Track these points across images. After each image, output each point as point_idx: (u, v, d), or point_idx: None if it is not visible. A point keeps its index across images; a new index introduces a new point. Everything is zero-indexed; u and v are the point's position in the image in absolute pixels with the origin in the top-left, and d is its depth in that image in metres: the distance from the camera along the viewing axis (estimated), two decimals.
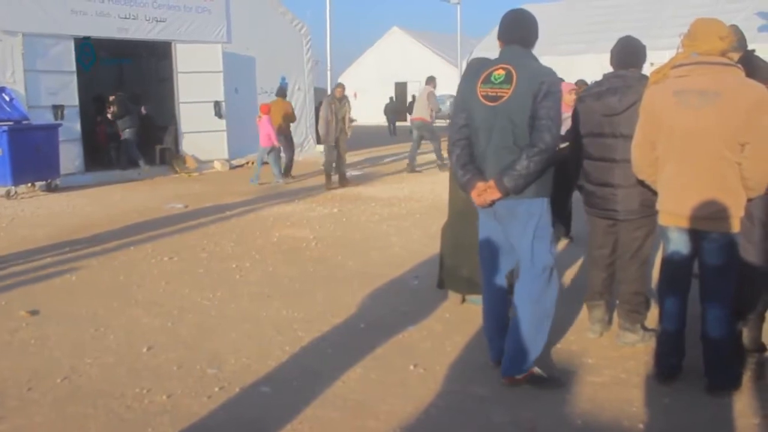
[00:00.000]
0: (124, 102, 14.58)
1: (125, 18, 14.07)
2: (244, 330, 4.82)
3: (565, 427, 3.41)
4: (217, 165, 15.54)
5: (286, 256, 7.08)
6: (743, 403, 3.61)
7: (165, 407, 3.64)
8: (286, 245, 7.61)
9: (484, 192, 3.68)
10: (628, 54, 4.29)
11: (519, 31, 3.81)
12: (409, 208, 10.01)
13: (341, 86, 12.50)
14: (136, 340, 4.64)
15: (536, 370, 3.83)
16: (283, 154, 13.71)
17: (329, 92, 19.36)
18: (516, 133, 3.59)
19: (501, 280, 3.97)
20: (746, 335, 3.91)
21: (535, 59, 3.75)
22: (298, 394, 3.76)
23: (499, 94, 3.64)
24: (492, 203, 3.71)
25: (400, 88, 39.90)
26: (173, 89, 15.15)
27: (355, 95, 39.19)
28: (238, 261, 6.87)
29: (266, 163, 13.12)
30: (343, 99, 12.24)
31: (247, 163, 15.96)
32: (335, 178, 12.45)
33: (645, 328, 4.41)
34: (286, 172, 13.59)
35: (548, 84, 3.54)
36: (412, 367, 4.11)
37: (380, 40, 43.90)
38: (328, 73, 19.79)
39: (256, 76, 16.55)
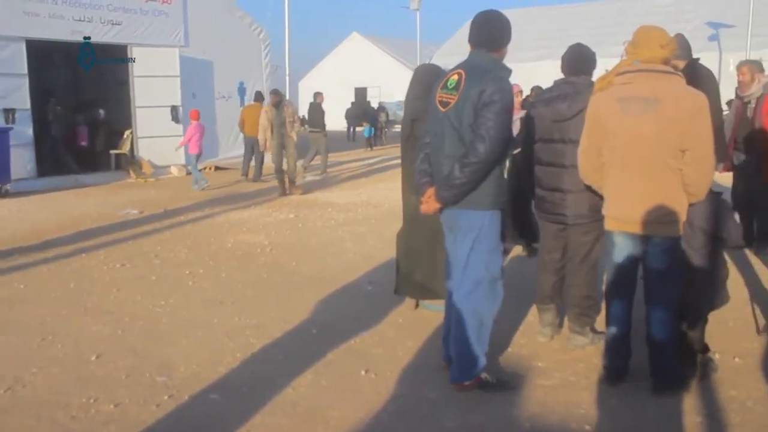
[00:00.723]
0: (53, 108, 14.52)
1: (79, 20, 13.85)
2: (195, 337, 4.78)
3: (514, 430, 3.44)
4: (174, 170, 15.39)
5: (240, 262, 7.04)
6: (687, 403, 3.70)
7: (112, 416, 3.59)
8: (240, 251, 7.57)
9: (427, 200, 3.72)
10: (578, 61, 4.38)
11: (483, 33, 3.71)
12: (366, 214, 10.03)
13: (275, 93, 12.38)
14: (84, 348, 4.56)
15: (484, 375, 3.85)
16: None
17: (287, 97, 19.39)
18: (461, 141, 3.56)
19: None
20: (689, 337, 4.00)
21: (496, 64, 3.65)
22: (248, 401, 3.74)
23: (448, 99, 3.64)
24: (440, 211, 3.74)
25: (360, 93, 40.00)
26: (130, 93, 14.95)
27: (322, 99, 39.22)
28: (192, 267, 6.81)
29: (203, 169, 13.41)
30: (280, 105, 11.94)
31: (205, 168, 15.83)
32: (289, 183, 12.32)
33: (595, 331, 4.49)
34: (257, 176, 14.34)
35: (490, 92, 3.45)
36: (363, 373, 4.12)
37: (340, 46, 43.99)
38: (287, 78, 19.74)
39: (214, 81, 16.44)
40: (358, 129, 28.64)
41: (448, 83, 3.68)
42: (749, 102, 7.10)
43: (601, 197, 3.93)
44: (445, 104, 3.66)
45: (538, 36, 27.88)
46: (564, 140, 4.24)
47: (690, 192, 3.58)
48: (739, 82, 7.33)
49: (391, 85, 38.62)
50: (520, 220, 6.92)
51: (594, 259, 4.43)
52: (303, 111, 39.13)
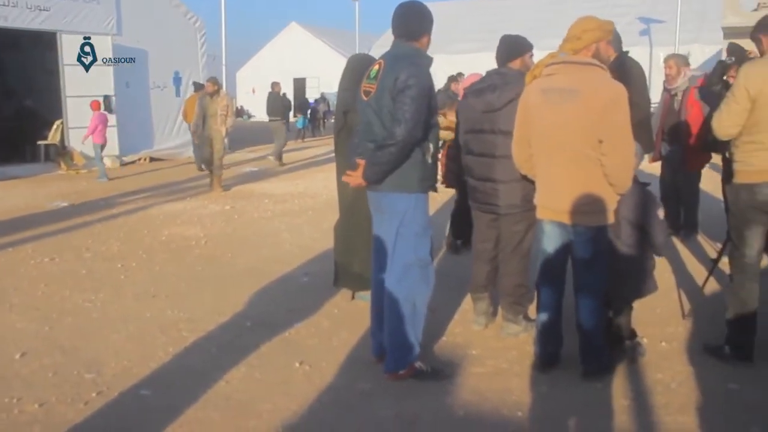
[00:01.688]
0: None
1: (4, 5, 13.28)
2: (126, 332, 4.68)
3: (447, 419, 3.48)
4: (107, 161, 14.96)
5: (174, 255, 6.92)
6: (615, 387, 3.81)
7: (36, 417, 3.48)
8: (174, 244, 7.43)
9: (356, 173, 3.74)
10: (510, 51, 4.42)
11: (403, 24, 3.74)
12: (303, 205, 9.98)
13: (212, 81, 11.41)
14: (8, 346, 4.41)
15: (419, 364, 3.88)
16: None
17: (224, 87, 19.09)
18: (383, 127, 3.61)
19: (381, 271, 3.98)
20: (616, 324, 4.10)
21: (416, 53, 3.69)
22: (180, 396, 3.68)
23: (370, 89, 3.71)
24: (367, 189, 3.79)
25: (299, 84, 39.69)
26: (59, 82, 14.48)
27: (253, 91, 38.68)
28: (124, 261, 6.65)
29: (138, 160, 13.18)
30: (215, 94, 11.14)
31: (139, 159, 15.50)
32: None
33: (528, 319, 4.57)
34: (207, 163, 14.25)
35: (404, 78, 3.50)
36: (297, 365, 4.10)
37: (278, 36, 43.46)
38: (224, 68, 19.44)
39: (149, 71, 16.05)
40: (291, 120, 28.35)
41: (371, 73, 3.74)
42: (676, 94, 7.32)
43: (534, 186, 3.99)
44: (367, 93, 3.73)
45: (478, 27, 28.12)
46: (494, 131, 4.28)
47: (611, 182, 3.64)
48: (666, 75, 7.55)
49: (330, 76, 38.41)
50: (459, 222, 6.69)
51: (526, 248, 4.50)
52: (241, 102, 38.53)
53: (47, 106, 15.16)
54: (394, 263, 3.75)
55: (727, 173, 6.43)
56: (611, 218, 3.76)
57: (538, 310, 4.02)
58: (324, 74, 38.69)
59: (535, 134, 3.78)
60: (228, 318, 4.93)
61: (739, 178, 3.96)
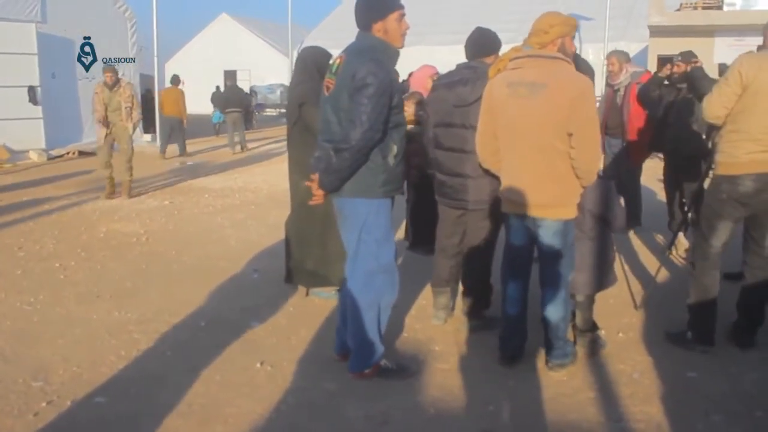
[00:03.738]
0: None
1: None
2: (72, 335, 4.44)
3: (418, 417, 3.41)
4: (33, 155, 14.35)
5: (114, 253, 6.64)
6: (580, 379, 3.82)
7: None
8: (114, 241, 7.14)
9: (315, 187, 3.60)
10: (481, 45, 4.36)
11: (356, 14, 3.56)
12: (244, 199, 9.76)
13: (110, 69, 9.69)
14: None
15: (383, 362, 3.80)
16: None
17: (156, 79, 18.56)
18: (340, 126, 3.44)
19: None
20: (579, 316, 4.13)
21: (380, 46, 3.48)
22: (137, 403, 3.50)
23: (329, 84, 3.55)
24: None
25: (230, 76, 38.91)
26: None
27: (183, 83, 37.81)
28: (62, 260, 6.34)
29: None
30: (116, 85, 9.56)
31: (68, 153, 14.90)
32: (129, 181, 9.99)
33: (488, 315, 4.55)
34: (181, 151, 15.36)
35: (362, 76, 3.30)
36: (258, 365, 3.97)
37: (208, 27, 42.50)
38: (155, 59, 18.84)
39: (76, 61, 15.40)
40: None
41: (332, 67, 3.58)
42: (618, 90, 7.47)
43: (500, 181, 3.97)
44: (327, 89, 3.57)
45: (456, 20, 28.04)
46: (465, 125, 4.21)
47: (579, 175, 3.64)
48: (609, 72, 7.70)
49: (261, 69, 37.86)
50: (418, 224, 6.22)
51: (491, 244, 4.47)
52: None
53: None
54: (357, 269, 3.63)
55: (672, 168, 6.66)
56: (576, 211, 3.76)
57: (504, 303, 4.00)
58: (255, 67, 38.10)
59: (501, 128, 3.75)
60: (180, 318, 4.74)
61: (721, 170, 4.02)
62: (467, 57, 4.41)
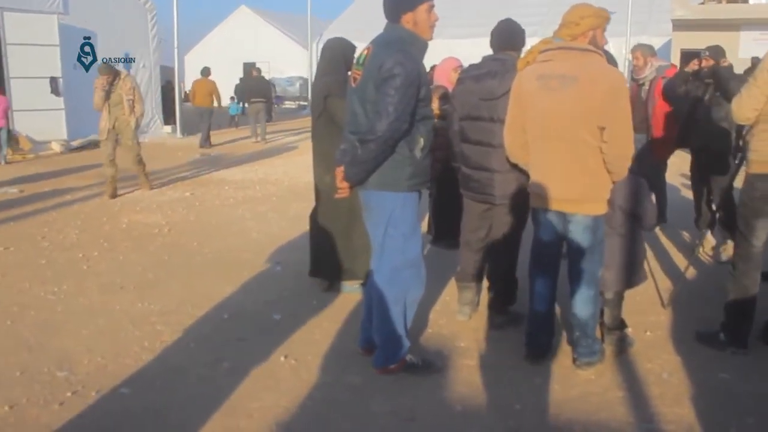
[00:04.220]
0: None
1: None
2: (96, 326, 4.43)
3: (444, 414, 3.37)
4: (55, 146, 14.43)
5: (137, 244, 6.64)
6: (608, 378, 3.76)
7: (7, 420, 3.24)
8: (136, 232, 7.14)
9: (339, 180, 3.55)
10: (507, 37, 4.29)
11: (384, 4, 3.49)
12: (265, 192, 9.74)
13: (105, 71, 9.02)
14: None
15: (409, 357, 3.76)
16: None
17: (176, 71, 18.62)
18: (367, 117, 3.39)
19: None
20: (608, 314, 4.06)
21: (408, 37, 3.41)
22: (162, 395, 3.49)
23: (356, 75, 3.50)
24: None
25: (252, 68, 38.96)
26: (2, 63, 13.85)
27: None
28: (85, 250, 6.35)
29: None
30: (115, 79, 9.01)
31: (90, 144, 14.94)
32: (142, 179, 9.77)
33: (513, 311, 4.49)
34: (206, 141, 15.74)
35: (388, 66, 3.24)
36: (282, 359, 3.94)
37: (227, 19, 42.56)
38: (175, 51, 18.91)
39: (98, 52, 15.46)
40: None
41: (359, 59, 3.53)
42: (643, 84, 7.35)
43: (528, 176, 3.91)
44: (355, 80, 3.52)
45: (476, 13, 27.84)
46: (493, 119, 4.15)
47: (610, 170, 3.58)
48: (634, 66, 7.58)
49: (280, 61, 37.85)
50: (441, 218, 6.27)
51: (517, 238, 4.42)
52: (189, 86, 37.75)
53: None
54: (383, 264, 3.58)
55: (700, 166, 6.56)
56: (606, 207, 3.70)
57: (531, 300, 3.94)
58: (274, 59, 38.09)
59: (531, 121, 3.68)
60: (202, 310, 4.72)
61: (754, 169, 3.93)
62: (493, 49, 4.34)
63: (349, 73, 3.82)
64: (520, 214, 4.33)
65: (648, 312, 4.76)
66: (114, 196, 9.15)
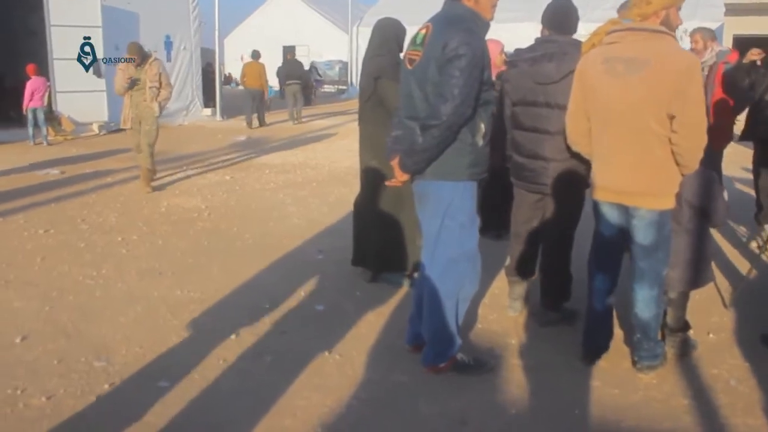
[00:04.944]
0: None
1: None
2: (134, 313, 4.32)
3: (497, 418, 3.17)
4: (96, 128, 14.46)
5: (176, 228, 6.53)
6: (671, 383, 3.53)
7: (44, 411, 3.12)
8: (175, 215, 7.04)
9: (395, 170, 3.36)
10: (562, 18, 4.03)
11: None
12: (305, 176, 9.58)
13: (133, 45, 8.54)
14: (6, 328, 4.03)
15: (459, 356, 3.56)
16: None
17: (216, 54, 18.56)
18: (427, 101, 3.17)
19: None
20: (671, 315, 3.81)
21: (470, 15, 3.18)
22: (202, 389, 3.34)
23: (414, 56, 3.26)
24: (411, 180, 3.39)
25: (289, 51, 38.79)
26: (46, 44, 13.87)
27: (242, 58, 37.87)
28: (124, 233, 6.26)
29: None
30: (143, 60, 8.41)
31: (131, 126, 14.95)
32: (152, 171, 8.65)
33: (567, 307, 4.27)
34: (261, 122, 16.66)
35: (454, 46, 3.02)
36: (327, 354, 3.77)
37: (267, 2, 42.47)
38: (216, 33, 18.83)
39: (140, 34, 15.42)
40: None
41: (417, 38, 3.29)
42: (702, 69, 6.99)
43: (588, 165, 3.67)
44: (411, 61, 3.28)
45: None
46: (550, 104, 3.91)
47: (680, 162, 3.32)
48: (692, 50, 7.21)
49: (319, 45, 37.66)
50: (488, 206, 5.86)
51: (572, 231, 4.19)
52: (229, 69, 37.72)
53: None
54: (437, 257, 3.36)
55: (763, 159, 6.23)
56: (674, 202, 3.44)
57: (590, 297, 3.71)
58: (313, 43, 37.93)
59: (596, 108, 3.43)
60: (243, 299, 4.58)
61: None
62: (545, 29, 4.07)
63: (401, 54, 3.60)
64: (575, 206, 4.10)
65: (709, 312, 4.49)
66: (150, 186, 8.41)
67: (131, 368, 3.55)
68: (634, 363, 3.66)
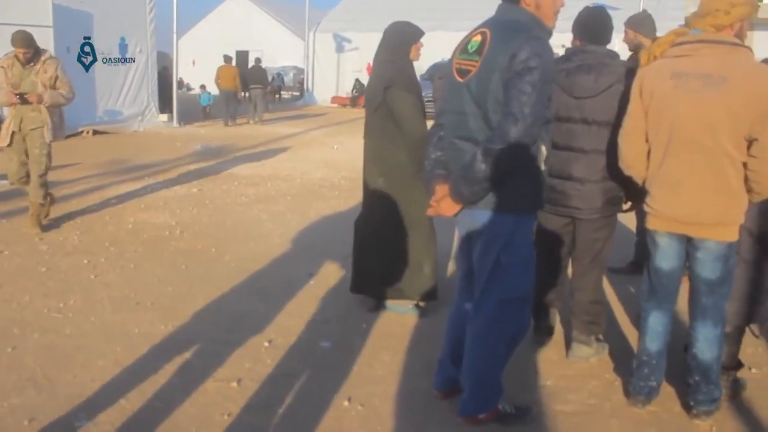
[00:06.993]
0: None
1: None
2: (114, 356, 3.73)
3: None
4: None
5: (148, 249, 5.93)
6: (730, 428, 3.18)
7: None
8: (145, 234, 6.43)
9: (440, 202, 2.90)
10: (597, 28, 3.64)
11: None
12: (278, 189, 9.01)
13: (21, 39, 6.16)
14: None
15: (501, 405, 3.12)
16: None
17: (174, 57, 17.87)
18: (486, 120, 2.74)
19: (469, 301, 3.13)
20: (725, 352, 3.43)
21: (533, 21, 2.78)
22: None
23: (468, 67, 2.80)
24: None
25: (241, 56, 38.06)
26: None
27: (194, 63, 36.92)
28: (89, 255, 5.64)
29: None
30: (34, 60, 6.21)
31: (82, 132, 14.18)
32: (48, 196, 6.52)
33: (599, 341, 3.88)
34: (233, 118, 18.36)
35: (524, 57, 2.61)
36: (346, 403, 3.27)
37: (221, 6, 41.59)
38: (174, 36, 18.13)
39: (93, 36, 14.63)
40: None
41: (469, 46, 2.83)
42: None
43: (627, 189, 3.37)
44: (463, 73, 2.82)
45: (479, 5, 27.02)
46: (586, 120, 3.51)
47: (754, 189, 2.97)
48: None
49: (273, 50, 36.99)
50: None
51: (605, 259, 3.80)
52: (182, 74, 36.84)
53: None
54: (489, 297, 2.92)
55: None
56: (738, 232, 3.07)
57: (643, 337, 3.31)
58: (267, 48, 37.26)
59: (661, 128, 3.02)
60: (237, 336, 4.03)
61: None
62: (578, 39, 3.68)
63: (439, 61, 3.13)
64: (608, 231, 3.72)
65: (744, 344, 4.13)
66: (39, 225, 6.33)
67: (118, 427, 2.99)
68: (689, 408, 3.27)
